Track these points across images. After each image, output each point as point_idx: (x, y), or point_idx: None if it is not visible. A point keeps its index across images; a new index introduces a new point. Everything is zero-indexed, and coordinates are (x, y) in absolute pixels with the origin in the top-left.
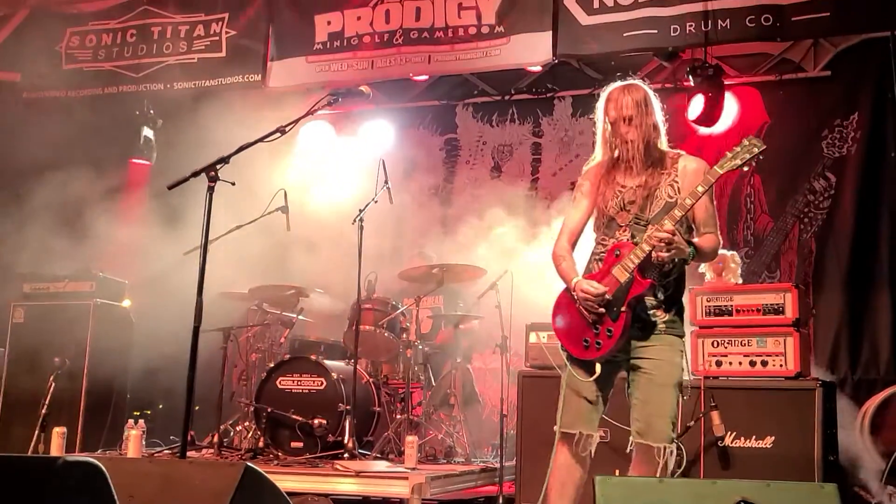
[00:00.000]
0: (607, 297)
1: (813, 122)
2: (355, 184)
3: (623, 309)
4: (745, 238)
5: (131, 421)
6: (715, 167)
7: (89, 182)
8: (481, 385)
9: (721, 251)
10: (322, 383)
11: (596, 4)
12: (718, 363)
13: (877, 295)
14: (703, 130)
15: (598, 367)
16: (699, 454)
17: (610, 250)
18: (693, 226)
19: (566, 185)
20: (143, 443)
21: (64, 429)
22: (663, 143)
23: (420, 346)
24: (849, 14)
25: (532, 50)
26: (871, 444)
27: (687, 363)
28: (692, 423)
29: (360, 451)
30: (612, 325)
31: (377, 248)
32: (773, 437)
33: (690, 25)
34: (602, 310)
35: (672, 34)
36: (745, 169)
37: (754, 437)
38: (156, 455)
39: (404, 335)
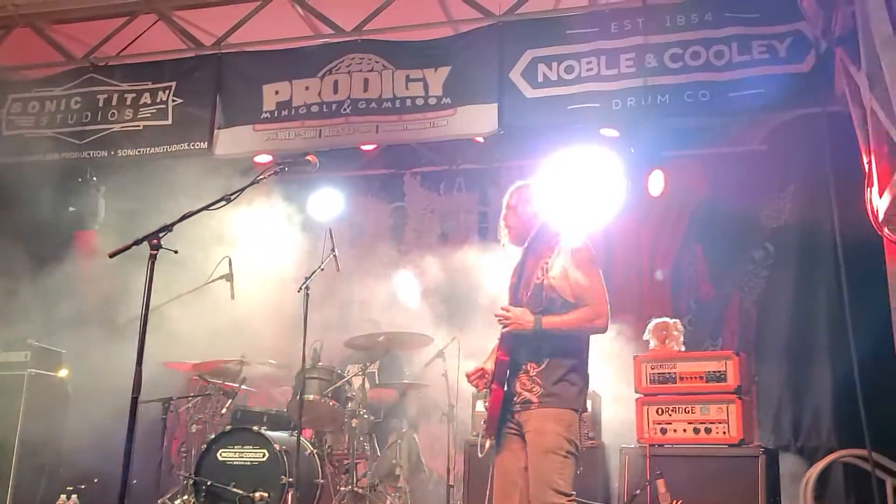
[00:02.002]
0: (480, 374)
1: (751, 193)
2: (302, 252)
3: (492, 387)
4: (689, 305)
5: (63, 497)
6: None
7: (28, 249)
8: (428, 455)
9: (664, 319)
10: (264, 455)
11: (540, 78)
12: (663, 430)
13: (817, 362)
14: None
15: (487, 444)
16: None
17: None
18: (574, 301)
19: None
20: None
21: None
22: (546, 230)
23: (366, 416)
24: (782, 91)
25: (478, 121)
26: None
27: (581, 433)
28: (638, 491)
29: None
30: (486, 401)
31: (323, 316)
32: None
33: (631, 100)
34: (483, 388)
35: (614, 108)
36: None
37: None
38: None
39: (350, 404)
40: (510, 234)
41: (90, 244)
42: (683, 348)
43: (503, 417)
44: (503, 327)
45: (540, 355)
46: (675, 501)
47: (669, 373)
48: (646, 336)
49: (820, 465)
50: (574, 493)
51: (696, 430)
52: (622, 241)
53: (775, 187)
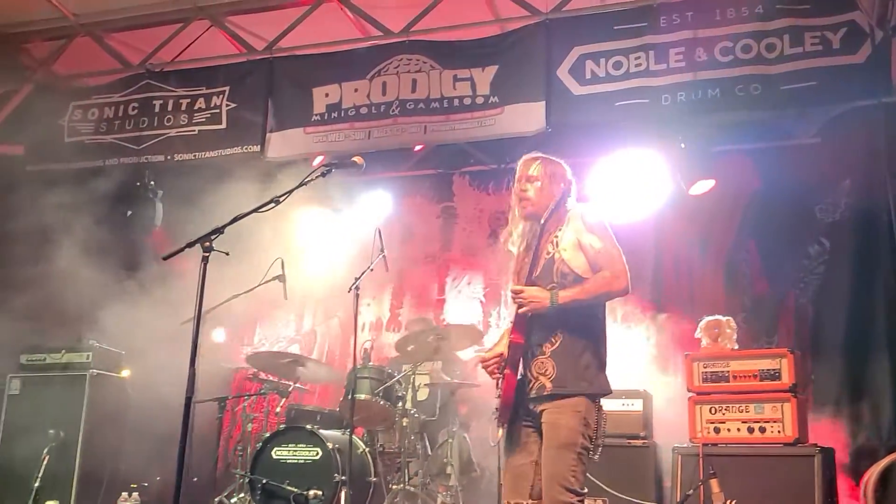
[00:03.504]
0: (497, 360)
1: (805, 188)
2: (353, 252)
3: (506, 370)
4: (744, 303)
5: (125, 494)
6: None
7: (90, 252)
8: (479, 454)
9: (716, 317)
10: (318, 453)
11: (588, 75)
12: (717, 430)
13: (876, 359)
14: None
15: (500, 433)
16: None
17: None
18: (587, 274)
19: None
20: None
21: (56, 502)
22: (560, 207)
23: (416, 415)
24: (836, 84)
25: (526, 119)
26: None
27: (599, 423)
28: (691, 491)
29: None
30: (499, 388)
31: (374, 315)
32: None
33: (681, 95)
34: (498, 375)
35: (663, 103)
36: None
37: None
38: None
39: (400, 403)
40: (527, 207)
41: (158, 244)
42: (736, 346)
43: (518, 406)
44: (517, 308)
45: (554, 334)
46: (728, 501)
47: (722, 371)
48: (697, 334)
49: (881, 465)
50: (586, 491)
51: (751, 430)
52: (673, 236)
53: (830, 181)
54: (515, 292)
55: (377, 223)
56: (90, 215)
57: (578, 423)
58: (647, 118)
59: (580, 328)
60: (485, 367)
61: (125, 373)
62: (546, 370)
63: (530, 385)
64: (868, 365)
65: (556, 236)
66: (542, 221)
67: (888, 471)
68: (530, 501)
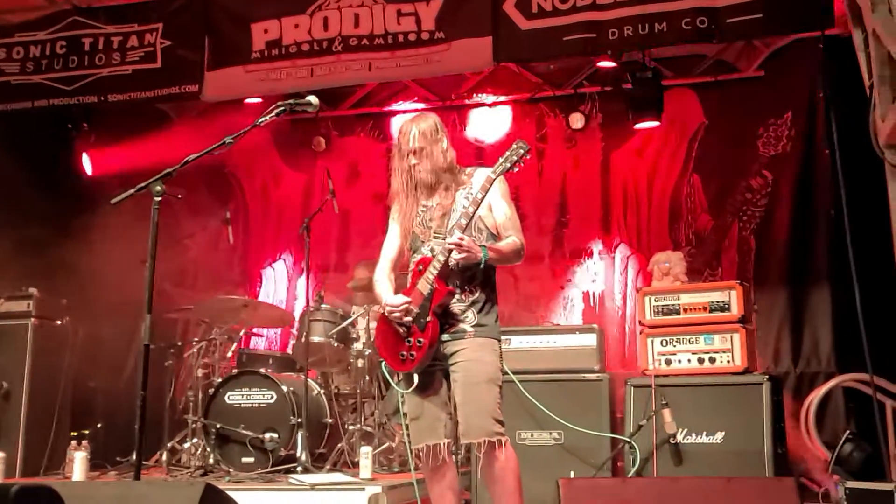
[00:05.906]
0: (413, 308)
1: (749, 122)
2: (302, 192)
3: (429, 318)
4: (687, 237)
5: (74, 442)
6: (489, 172)
7: (26, 199)
8: None
9: (667, 251)
10: (272, 397)
11: (535, 9)
12: (668, 362)
13: (816, 289)
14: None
15: (415, 378)
16: (652, 452)
17: (415, 266)
18: (496, 233)
19: (511, 189)
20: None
21: (3, 454)
22: (453, 164)
23: (370, 356)
24: (780, 15)
25: (472, 56)
26: (816, 435)
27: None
28: (644, 421)
29: (313, 464)
30: (421, 335)
31: (324, 257)
32: (723, 433)
33: (628, 29)
34: (408, 319)
35: (610, 38)
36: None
37: (705, 432)
38: (102, 476)
39: (354, 345)
40: (421, 176)
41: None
42: (686, 280)
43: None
44: (443, 257)
45: (473, 285)
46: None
47: (673, 305)
48: (649, 268)
49: (822, 390)
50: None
51: (701, 360)
52: (620, 172)
53: (773, 114)
54: (459, 240)
55: (324, 163)
56: (21, 159)
57: (497, 359)
58: (594, 53)
59: (491, 283)
60: (391, 315)
61: (64, 319)
62: (466, 317)
63: (447, 329)
64: (809, 294)
65: (472, 196)
66: (436, 179)
67: (828, 396)
68: (446, 441)
